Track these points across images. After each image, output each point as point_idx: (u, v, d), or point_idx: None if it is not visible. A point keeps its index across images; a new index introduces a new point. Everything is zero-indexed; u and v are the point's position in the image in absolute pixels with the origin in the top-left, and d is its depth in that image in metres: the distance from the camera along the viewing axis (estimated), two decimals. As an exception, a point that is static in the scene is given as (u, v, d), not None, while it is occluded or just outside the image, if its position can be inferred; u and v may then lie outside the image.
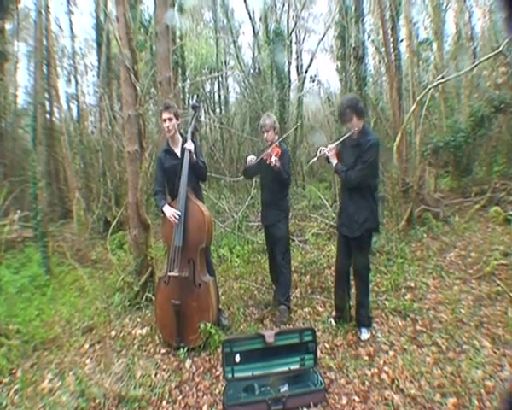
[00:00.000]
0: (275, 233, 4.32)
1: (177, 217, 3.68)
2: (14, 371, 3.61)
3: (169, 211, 3.72)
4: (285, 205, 4.43)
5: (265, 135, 4.35)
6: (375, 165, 3.64)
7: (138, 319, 4.55)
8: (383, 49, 10.81)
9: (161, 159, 4.03)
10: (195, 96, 15.21)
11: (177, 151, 4.01)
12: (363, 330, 3.75)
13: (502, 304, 4.14)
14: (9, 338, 4.10)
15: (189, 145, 3.79)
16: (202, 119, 14.63)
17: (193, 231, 3.74)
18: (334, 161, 3.76)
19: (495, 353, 3.25)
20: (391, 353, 3.40)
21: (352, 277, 3.93)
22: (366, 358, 3.37)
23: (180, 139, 4.04)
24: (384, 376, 3.06)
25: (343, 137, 3.75)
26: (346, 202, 3.83)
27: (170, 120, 3.88)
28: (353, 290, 3.99)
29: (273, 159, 4.03)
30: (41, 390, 3.25)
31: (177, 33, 12.80)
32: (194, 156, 3.82)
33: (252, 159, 4.29)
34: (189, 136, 3.92)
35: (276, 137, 4.31)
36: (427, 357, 3.27)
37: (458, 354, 3.27)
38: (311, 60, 16.28)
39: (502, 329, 3.61)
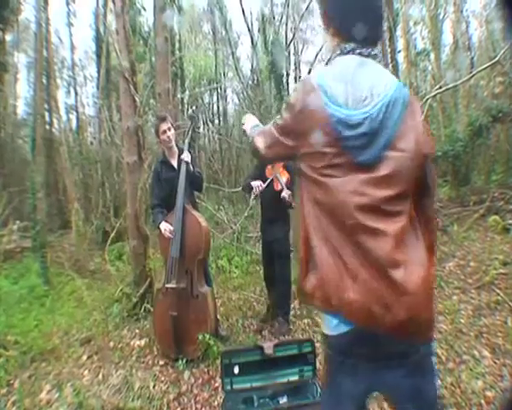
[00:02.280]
0: (276, 247, 4.28)
1: (172, 234, 3.66)
2: (11, 382, 3.59)
3: (164, 227, 3.70)
4: (287, 220, 4.37)
5: None
6: None
7: (137, 331, 4.53)
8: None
9: (157, 170, 4.01)
10: (194, 107, 15.36)
11: (174, 163, 3.99)
12: None
13: (501, 314, 4.12)
14: (7, 349, 4.08)
15: (186, 157, 3.79)
16: (201, 130, 14.68)
17: (190, 242, 3.72)
18: None
19: (495, 363, 3.23)
20: (390, 363, 3.39)
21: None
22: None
23: (177, 151, 4.02)
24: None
25: None
26: None
27: (169, 129, 3.88)
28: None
29: (285, 194, 3.95)
30: (39, 402, 3.22)
31: (176, 45, 12.91)
32: (191, 167, 3.82)
33: (259, 186, 4.09)
34: (185, 146, 3.90)
35: None
36: (427, 368, 3.25)
37: (458, 365, 3.25)
38: (310, 71, 16.36)
39: (502, 339, 3.58)
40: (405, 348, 1.24)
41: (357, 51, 1.31)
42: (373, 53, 1.32)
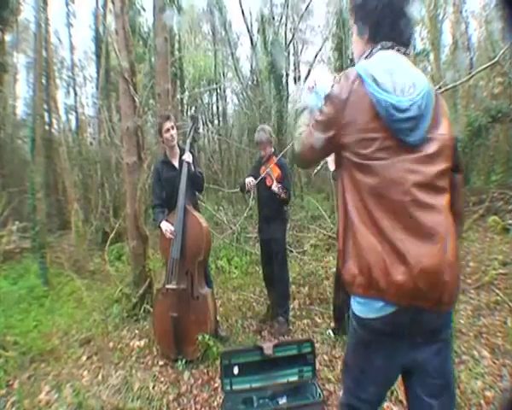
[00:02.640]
0: (273, 246, 4.30)
1: (174, 234, 3.67)
2: (11, 382, 3.59)
3: (165, 228, 3.71)
4: (283, 218, 4.41)
5: (263, 153, 4.35)
6: None
7: (136, 331, 4.53)
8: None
9: (158, 170, 4.01)
10: (194, 108, 15.36)
11: (175, 163, 3.99)
12: None
13: (501, 314, 4.12)
14: (7, 350, 4.08)
15: (188, 157, 3.80)
16: (200, 130, 14.68)
17: (191, 243, 3.72)
18: (332, 167, 3.76)
19: (494, 363, 3.23)
20: (390, 364, 3.38)
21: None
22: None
23: (178, 151, 4.03)
24: (383, 387, 3.04)
25: None
26: None
27: (172, 128, 3.89)
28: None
29: (275, 187, 4.04)
30: (38, 402, 3.22)
31: (176, 45, 12.91)
32: (193, 167, 3.82)
33: (250, 181, 4.23)
34: (187, 147, 3.90)
35: (273, 150, 4.31)
36: (427, 368, 3.25)
37: (458, 365, 3.24)
38: (309, 71, 16.38)
39: (501, 339, 3.59)
40: (441, 325, 1.39)
41: (396, 48, 1.46)
42: (407, 52, 1.48)
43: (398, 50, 1.46)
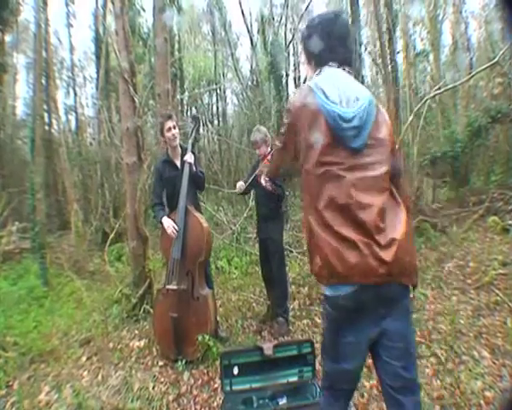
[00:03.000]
0: (270, 246, 4.31)
1: (176, 231, 3.67)
2: (10, 383, 3.59)
3: (167, 223, 3.70)
4: (281, 218, 4.43)
5: (258, 152, 4.38)
6: None
7: (136, 332, 4.53)
8: (380, 61, 10.89)
9: (159, 170, 4.00)
10: (194, 108, 15.36)
11: (177, 162, 3.99)
12: None
13: (501, 314, 4.12)
14: (6, 350, 4.08)
15: (190, 158, 3.80)
16: (201, 130, 14.67)
17: (192, 244, 3.72)
18: None
19: (494, 363, 3.23)
20: (390, 364, 3.38)
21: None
22: (365, 369, 3.34)
23: (180, 150, 4.02)
24: (383, 387, 3.04)
25: None
26: None
27: (174, 127, 3.89)
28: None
29: (262, 180, 4.05)
30: (38, 403, 3.22)
31: (176, 46, 12.90)
32: (194, 168, 3.82)
33: (241, 185, 4.34)
34: (189, 147, 3.90)
35: (269, 150, 4.32)
36: (427, 368, 3.25)
37: (457, 365, 3.25)
38: (309, 71, 16.33)
39: (501, 339, 3.58)
40: (398, 294, 1.60)
41: (341, 67, 1.72)
42: (350, 71, 1.75)
43: (344, 69, 1.72)
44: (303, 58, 1.89)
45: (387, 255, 1.49)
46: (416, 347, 3.56)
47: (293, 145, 1.69)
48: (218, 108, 17.59)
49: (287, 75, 14.45)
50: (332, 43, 1.73)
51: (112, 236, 7.59)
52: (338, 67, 1.72)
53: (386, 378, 1.68)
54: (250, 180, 4.25)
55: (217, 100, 17.57)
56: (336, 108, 1.54)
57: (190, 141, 3.99)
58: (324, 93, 1.57)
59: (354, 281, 1.52)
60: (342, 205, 1.53)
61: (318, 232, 1.57)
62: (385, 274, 1.50)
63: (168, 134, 3.89)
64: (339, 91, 1.58)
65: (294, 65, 16.50)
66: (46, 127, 11.96)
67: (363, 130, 1.55)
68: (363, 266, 1.49)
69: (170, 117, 3.92)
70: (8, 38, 13.32)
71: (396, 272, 1.52)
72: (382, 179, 1.58)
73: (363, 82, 11.41)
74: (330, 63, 1.72)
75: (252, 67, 15.10)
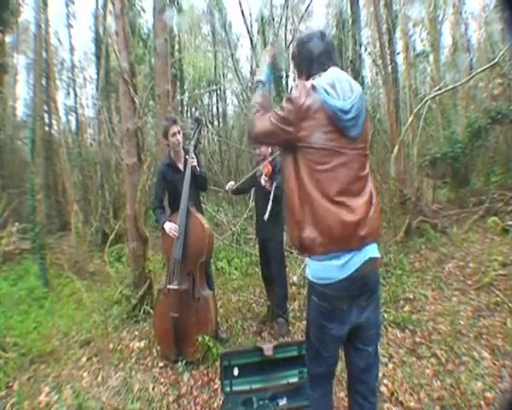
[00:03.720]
0: (270, 246, 4.30)
1: (177, 232, 3.67)
2: (10, 384, 3.58)
3: (168, 226, 3.70)
4: (280, 218, 4.41)
5: (257, 151, 4.38)
6: None
7: (136, 332, 4.53)
8: (380, 62, 10.90)
9: (163, 173, 3.97)
10: (194, 109, 15.35)
11: (180, 166, 3.98)
12: None
13: (501, 315, 4.12)
14: (6, 351, 4.07)
15: (193, 160, 3.80)
16: (202, 132, 14.68)
17: (193, 244, 3.72)
18: None
19: (494, 364, 3.23)
20: (390, 365, 3.38)
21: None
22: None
23: (183, 153, 4.01)
24: (383, 388, 3.04)
25: None
26: None
27: (179, 132, 3.87)
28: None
29: (262, 180, 4.05)
30: (38, 404, 3.22)
31: (176, 47, 12.91)
32: (198, 168, 3.83)
33: (231, 185, 4.37)
34: (191, 149, 3.89)
35: (269, 150, 4.31)
36: (427, 369, 3.25)
37: (458, 366, 3.25)
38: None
39: (501, 340, 3.59)
40: (376, 282, 1.89)
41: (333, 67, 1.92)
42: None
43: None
44: (295, 74, 2.13)
45: (366, 225, 1.78)
46: (417, 347, 3.59)
47: (286, 134, 1.85)
48: (218, 108, 17.61)
49: (287, 76, 14.46)
50: (319, 59, 1.95)
51: (112, 236, 7.59)
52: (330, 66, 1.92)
53: (356, 362, 1.93)
54: (250, 174, 4.24)
55: (217, 101, 17.59)
56: (337, 103, 1.75)
57: (193, 143, 3.99)
58: (326, 90, 1.77)
59: (352, 246, 1.78)
60: (344, 177, 1.78)
61: (318, 199, 1.77)
62: (365, 235, 1.79)
63: (173, 139, 3.86)
64: (336, 88, 1.79)
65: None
66: (46, 128, 11.98)
67: (359, 119, 1.80)
68: (354, 229, 1.77)
69: (175, 122, 3.88)
70: (8, 38, 13.35)
71: (374, 232, 1.83)
72: (367, 158, 1.89)
73: (363, 83, 11.44)
74: (322, 71, 1.91)
75: (252, 67, 15.10)
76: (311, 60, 1.97)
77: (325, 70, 1.90)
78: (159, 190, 4.00)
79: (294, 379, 3.05)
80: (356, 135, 1.80)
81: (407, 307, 4.54)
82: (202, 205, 4.65)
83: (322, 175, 1.77)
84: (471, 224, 7.70)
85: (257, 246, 5.20)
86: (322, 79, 1.83)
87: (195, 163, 3.80)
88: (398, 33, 11.92)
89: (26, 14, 12.89)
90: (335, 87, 1.79)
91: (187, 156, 3.85)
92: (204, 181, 4.04)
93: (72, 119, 16.19)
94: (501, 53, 6.59)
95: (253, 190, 4.86)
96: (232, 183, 4.40)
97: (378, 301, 1.92)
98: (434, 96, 8.59)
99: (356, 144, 1.82)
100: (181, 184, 3.77)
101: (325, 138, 1.76)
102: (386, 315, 4.33)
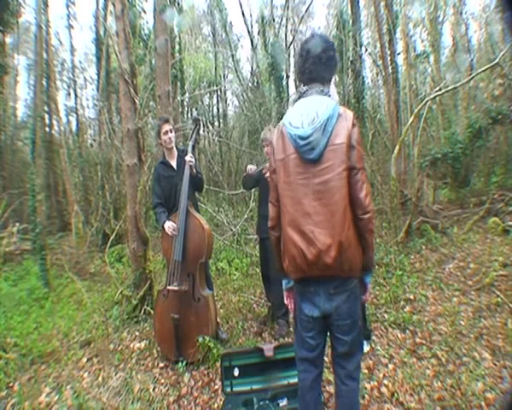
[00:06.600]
0: (269, 245, 4.29)
1: (176, 231, 3.67)
2: (11, 384, 3.58)
3: (168, 225, 3.71)
4: None
5: (266, 149, 4.38)
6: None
7: (136, 333, 4.53)
8: (380, 62, 10.91)
9: (159, 170, 4.04)
10: (195, 109, 15.37)
11: (173, 163, 4.03)
12: (363, 342, 3.72)
13: (501, 315, 4.12)
14: (7, 351, 4.08)
15: (191, 159, 3.80)
16: (201, 132, 14.68)
17: (193, 245, 3.72)
18: None
19: (495, 365, 3.23)
20: (390, 366, 3.38)
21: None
22: (365, 371, 3.34)
23: (176, 152, 4.07)
24: (384, 389, 3.04)
25: None
26: None
27: (171, 131, 3.94)
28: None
29: (267, 176, 4.05)
30: (38, 404, 3.21)
31: (176, 47, 12.92)
32: (194, 169, 3.83)
33: (251, 168, 4.33)
34: (189, 149, 3.91)
35: None
36: (427, 370, 3.25)
37: (458, 367, 3.24)
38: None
39: (502, 340, 3.58)
40: (340, 283, 1.97)
41: (308, 92, 2.05)
42: (319, 89, 2.04)
43: (307, 93, 2.05)
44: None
45: (324, 257, 1.89)
46: (417, 348, 3.59)
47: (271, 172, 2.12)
48: (218, 109, 17.62)
49: (287, 77, 14.48)
50: (305, 65, 2.07)
51: (112, 237, 7.60)
52: (309, 90, 2.05)
53: (336, 347, 2.09)
54: (258, 170, 4.24)
55: (217, 101, 17.61)
56: (297, 131, 1.93)
57: (191, 143, 4.00)
58: (290, 123, 1.98)
59: (314, 274, 1.98)
60: (305, 205, 1.93)
61: (286, 230, 2.02)
62: (322, 267, 1.92)
63: (164, 137, 3.94)
64: (301, 117, 1.95)
65: (295, 66, 16.50)
66: (47, 129, 12.00)
67: (319, 143, 1.88)
68: (312, 260, 1.93)
69: (167, 121, 3.99)
70: (9, 39, 13.37)
71: (347, 268, 1.95)
72: (340, 178, 1.88)
73: (363, 83, 11.43)
74: (302, 88, 2.11)
75: (252, 68, 15.12)
76: (299, 69, 2.13)
77: (311, 79, 2.07)
78: (156, 188, 4.04)
79: (295, 380, 3.04)
80: (315, 157, 1.90)
81: (407, 308, 4.54)
82: (203, 205, 4.66)
83: (287, 200, 2.03)
84: (471, 224, 7.70)
85: (257, 246, 5.20)
86: (293, 111, 2.04)
87: (193, 162, 3.81)
88: (398, 34, 11.90)
89: (27, 14, 12.96)
90: (301, 116, 1.96)
91: (185, 156, 3.86)
92: (201, 182, 4.06)
93: (73, 119, 16.22)
94: (501, 53, 6.59)
95: (252, 190, 4.85)
96: (254, 166, 4.38)
97: (351, 294, 2.00)
98: (435, 97, 8.60)
99: (318, 166, 1.91)
100: (174, 182, 3.84)
101: (289, 163, 1.99)
102: (386, 316, 4.34)
